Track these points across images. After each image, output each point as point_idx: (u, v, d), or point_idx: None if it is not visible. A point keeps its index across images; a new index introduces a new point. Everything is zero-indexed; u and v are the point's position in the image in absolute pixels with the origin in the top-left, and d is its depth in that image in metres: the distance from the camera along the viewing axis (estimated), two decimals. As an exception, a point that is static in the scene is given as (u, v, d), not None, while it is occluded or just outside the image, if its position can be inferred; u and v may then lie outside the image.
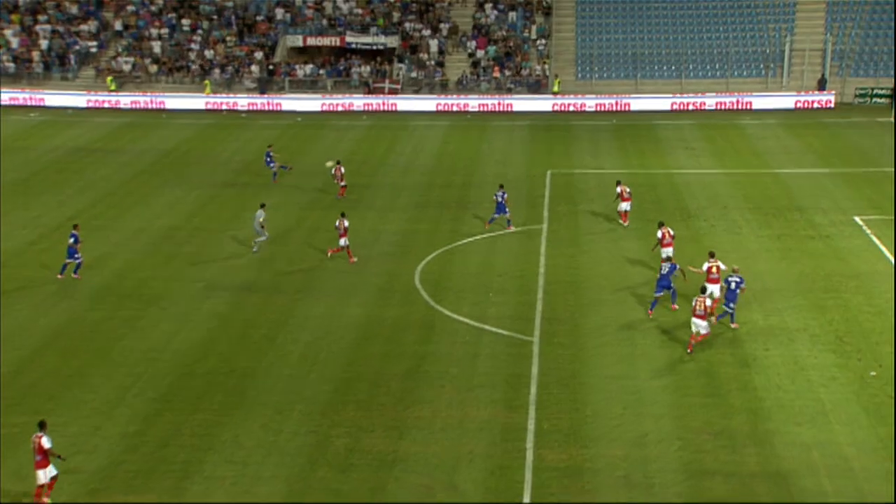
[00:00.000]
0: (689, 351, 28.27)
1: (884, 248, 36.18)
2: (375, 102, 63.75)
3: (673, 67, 66.10)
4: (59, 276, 33.98)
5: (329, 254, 35.94)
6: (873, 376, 26.75)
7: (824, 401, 25.60)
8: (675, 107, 62.34)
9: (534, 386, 26.64)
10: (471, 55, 68.09)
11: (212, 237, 38.52)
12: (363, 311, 31.39)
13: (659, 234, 34.00)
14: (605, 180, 46.02)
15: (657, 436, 24.20)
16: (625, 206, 39.35)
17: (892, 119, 57.53)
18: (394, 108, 63.72)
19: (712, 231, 38.84)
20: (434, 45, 68.48)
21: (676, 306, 31.14)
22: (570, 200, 43.29)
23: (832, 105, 61.63)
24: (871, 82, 63.03)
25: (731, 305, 29.71)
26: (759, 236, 38.28)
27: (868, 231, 38.05)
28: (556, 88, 64.71)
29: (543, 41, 68.00)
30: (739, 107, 61.98)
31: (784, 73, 64.67)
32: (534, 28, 68.78)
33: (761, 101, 62.21)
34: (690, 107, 62.24)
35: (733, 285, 30.00)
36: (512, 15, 69.80)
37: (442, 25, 69.52)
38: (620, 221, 39.32)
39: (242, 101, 64.59)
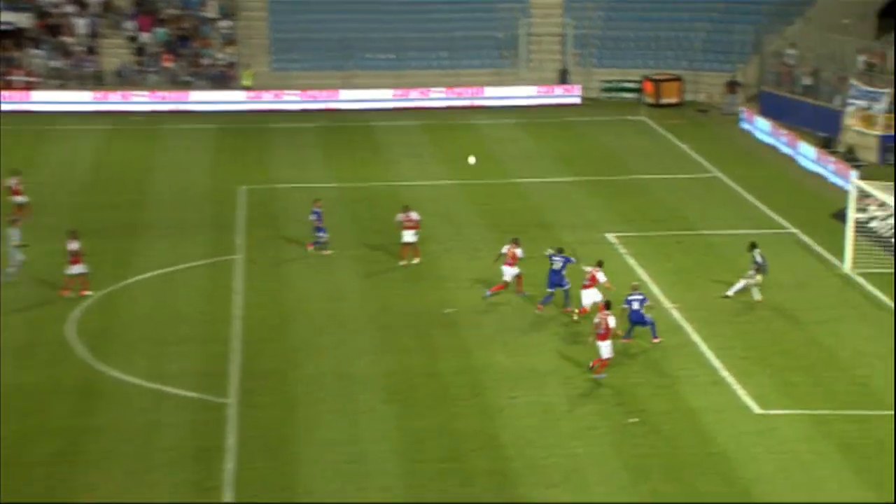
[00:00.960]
0: (594, 376, 29.84)
1: (641, 271, 37.61)
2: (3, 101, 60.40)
3: (392, 56, 66.78)
4: None
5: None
6: (634, 423, 27.58)
7: (580, 456, 26.23)
8: (395, 104, 63.00)
9: (231, 460, 25.87)
10: (132, 39, 65.81)
11: None
12: (-5, 376, 29.47)
13: (504, 249, 34.90)
14: (314, 196, 45.58)
15: (385, 515, 24.01)
16: (409, 236, 38.27)
17: (644, 116, 60.51)
18: (29, 109, 60.67)
19: (447, 255, 39.42)
20: (82, 25, 65.71)
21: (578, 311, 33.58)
22: (272, 222, 42.83)
23: (577, 101, 64.17)
24: (619, 74, 66.12)
25: (648, 321, 31.82)
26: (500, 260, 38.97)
27: (622, 250, 39.58)
28: (246, 82, 63.77)
29: (228, 22, 66.80)
30: (472, 103, 63.44)
31: (520, 63, 66.78)
32: (214, 5, 67.33)
33: (496, 97, 63.88)
34: (414, 104, 63.17)
35: (636, 304, 31.58)
36: (184, -13, 68.08)
37: (92, 0, 66.75)
38: (401, 261, 38.38)
39: None
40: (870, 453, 26.13)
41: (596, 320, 30.27)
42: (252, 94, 62.86)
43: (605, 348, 30.03)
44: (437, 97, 63.70)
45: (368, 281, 37.06)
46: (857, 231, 38.24)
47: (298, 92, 63.09)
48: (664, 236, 41.21)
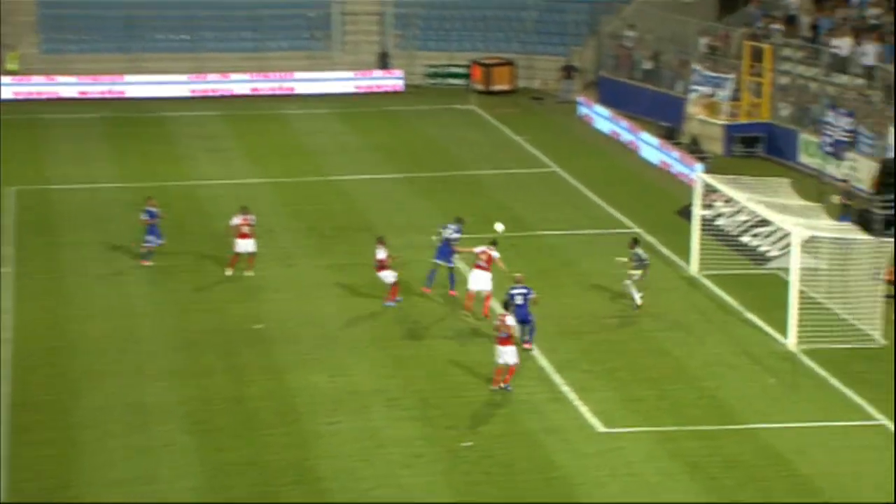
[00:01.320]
0: (494, 387, 30.14)
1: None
2: None
3: (185, 36, 65.54)
4: None
5: None
6: (467, 447, 27.56)
7: (408, 487, 26.15)
8: (192, 92, 62.03)
9: (1, 509, 24.98)
10: None
11: None
12: None
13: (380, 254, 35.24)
14: (100, 197, 44.62)
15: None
16: (246, 245, 37.38)
17: (474, 105, 60.83)
18: None
19: (258, 263, 38.76)
20: None
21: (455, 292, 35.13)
22: (48, 229, 41.75)
23: (400, 88, 64.15)
24: (445, 57, 66.33)
25: (529, 321, 31.97)
26: (318, 267, 38.88)
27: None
28: (11, 66, 61.87)
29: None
30: (280, 90, 62.86)
31: (334, 46, 66.39)
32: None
33: (308, 84, 63.44)
34: (213, 91, 62.30)
35: (520, 299, 31.78)
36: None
37: None
38: (228, 270, 37.71)
39: None
40: (717, 472, 26.64)
41: (496, 322, 30.53)
42: (18, 80, 60.96)
43: (509, 354, 30.08)
44: (239, 83, 62.94)
45: (164, 295, 36.39)
46: (702, 230, 39.02)
47: (75, 77, 61.48)
48: (499, 239, 41.43)
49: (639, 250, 35.84)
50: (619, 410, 29.53)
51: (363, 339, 33.47)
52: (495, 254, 34.48)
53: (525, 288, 32.46)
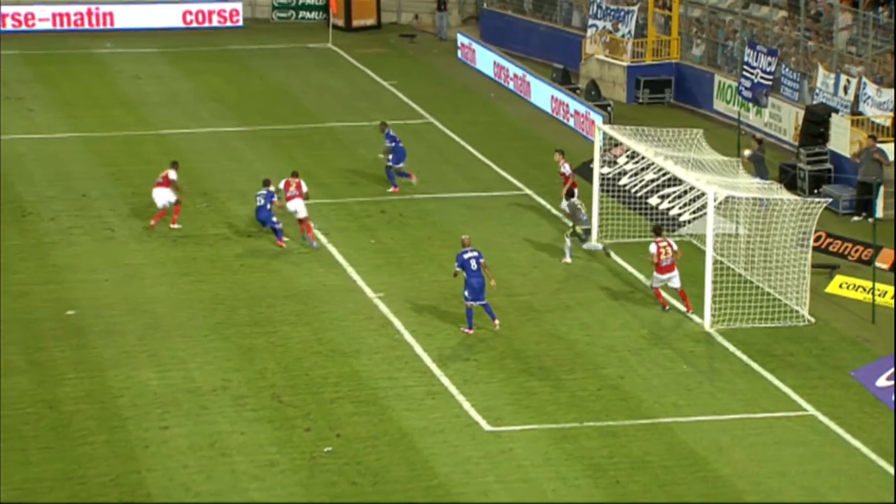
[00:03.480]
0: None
1: (334, 250, 37.89)
2: None
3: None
4: None
5: None
6: (328, 452, 27.78)
7: (258, 502, 26.11)
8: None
9: None
10: None
11: None
12: None
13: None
14: None
15: None
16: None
17: (331, 44, 60.79)
18: None
19: (69, 236, 38.82)
20: None
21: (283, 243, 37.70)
22: None
23: (239, 22, 63.90)
24: (296, -13, 66.36)
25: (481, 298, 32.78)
26: (144, 241, 38.62)
27: (312, 224, 39.55)
28: None
29: None
30: (92, 24, 62.23)
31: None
32: None
33: (132, 16, 62.92)
34: (12, 25, 61.57)
35: (474, 264, 32.60)
36: None
37: None
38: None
39: None
40: (623, 475, 27.13)
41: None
42: None
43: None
44: (41, 18, 62.26)
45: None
46: (603, 190, 39.55)
47: None
48: (364, 203, 41.62)
49: (568, 205, 37.64)
50: (507, 406, 29.87)
51: (201, 327, 33.41)
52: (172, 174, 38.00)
53: (475, 251, 32.96)
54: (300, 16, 65.61)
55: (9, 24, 61.95)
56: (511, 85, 54.77)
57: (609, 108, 49.38)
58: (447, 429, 28.88)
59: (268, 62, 58.76)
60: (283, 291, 35.48)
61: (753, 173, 40.77)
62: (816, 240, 35.87)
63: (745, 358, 32.22)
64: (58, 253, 37.43)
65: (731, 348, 32.72)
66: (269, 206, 37.81)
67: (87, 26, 62.60)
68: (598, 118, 46.13)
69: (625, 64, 53.38)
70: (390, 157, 42.44)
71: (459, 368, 31.49)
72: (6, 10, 62.08)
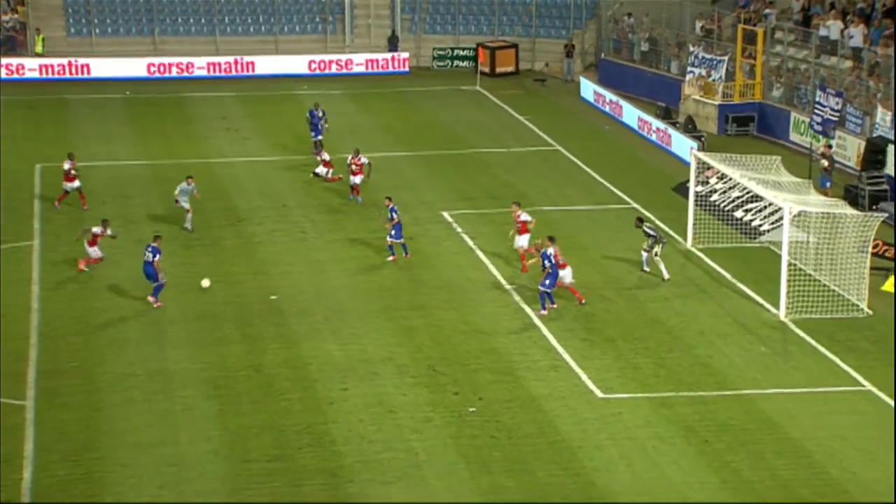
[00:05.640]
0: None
1: (478, 251, 37.83)
2: None
3: (203, 21, 65.62)
4: None
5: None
6: (473, 412, 27.71)
7: (417, 450, 26.30)
8: (211, 71, 62.09)
9: (29, 468, 25.22)
10: None
11: None
12: None
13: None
14: (123, 174, 44.74)
15: (209, 522, 23.68)
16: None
17: (479, 87, 60.79)
18: None
19: (271, 237, 39.16)
20: None
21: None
22: (72, 204, 41.62)
23: (407, 69, 64.14)
24: (451, 41, 66.33)
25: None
26: (330, 242, 38.95)
27: (459, 229, 39.73)
28: (39, 48, 62.00)
29: (14, -18, 64.76)
30: (294, 72, 62.82)
31: (347, 29, 66.40)
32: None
33: (321, 65, 63.40)
34: (231, 72, 62.44)
35: (554, 260, 32.83)
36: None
37: None
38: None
39: None
40: (710, 436, 26.83)
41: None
42: (46, 60, 61.07)
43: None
44: (256, 65, 62.97)
45: (182, 267, 36.33)
46: (697, 205, 39.10)
47: (100, 59, 61.54)
48: (502, 213, 41.49)
49: (646, 228, 36.01)
50: (617, 378, 29.70)
51: (373, 310, 33.55)
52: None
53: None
54: (455, 64, 65.59)
55: (216, 70, 62.97)
56: (622, 119, 54.34)
57: (703, 139, 48.75)
58: (567, 395, 28.78)
59: (429, 100, 58.87)
60: (437, 283, 35.52)
61: (818, 179, 40.49)
62: (874, 247, 35.13)
63: (813, 342, 31.68)
64: (263, 250, 37.85)
65: (802, 334, 32.18)
66: (153, 261, 33.01)
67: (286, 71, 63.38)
68: (693, 146, 45.57)
69: (716, 103, 52.62)
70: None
71: (578, 346, 31.35)
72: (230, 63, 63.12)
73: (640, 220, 36.78)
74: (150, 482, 24.83)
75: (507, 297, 34.41)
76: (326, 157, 44.72)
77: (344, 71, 63.59)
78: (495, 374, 29.84)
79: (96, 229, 35.36)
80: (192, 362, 30.21)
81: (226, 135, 51.59)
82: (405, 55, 64.80)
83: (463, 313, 33.39)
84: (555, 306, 32.95)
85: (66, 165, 40.93)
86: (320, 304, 33.88)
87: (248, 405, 28.10)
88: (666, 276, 35.44)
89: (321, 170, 44.34)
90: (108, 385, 28.87)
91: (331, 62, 63.89)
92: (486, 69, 63.58)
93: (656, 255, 35.57)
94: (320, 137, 47.24)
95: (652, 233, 35.83)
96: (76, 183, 40.97)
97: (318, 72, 63.22)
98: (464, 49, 65.51)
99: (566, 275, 33.79)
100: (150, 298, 33.23)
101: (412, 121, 55.18)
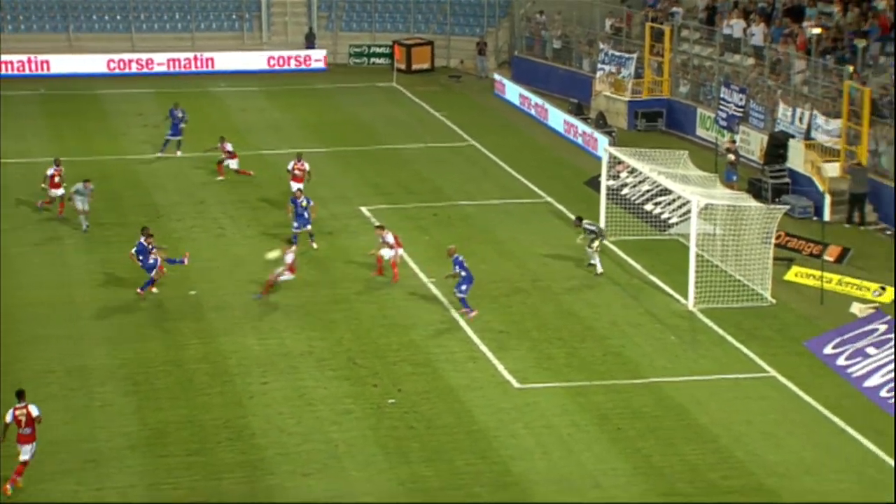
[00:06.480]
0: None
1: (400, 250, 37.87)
2: None
3: (119, 17, 64.83)
4: None
5: None
6: (392, 404, 27.73)
7: (337, 441, 26.28)
8: (121, 68, 61.44)
9: (-54, 469, 24.65)
10: None
11: None
12: None
13: None
14: (36, 171, 44.07)
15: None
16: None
17: (395, 83, 60.74)
18: None
19: (190, 233, 38.88)
20: None
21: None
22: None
23: (324, 66, 63.89)
24: (367, 38, 66.18)
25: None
26: (248, 237, 38.75)
27: (377, 224, 39.55)
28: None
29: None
30: (209, 68, 62.33)
31: (264, 27, 65.96)
32: None
33: (236, 62, 62.99)
34: (144, 69, 61.85)
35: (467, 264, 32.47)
36: None
37: None
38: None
39: None
40: (623, 423, 27.11)
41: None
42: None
43: None
44: (171, 63, 62.35)
45: (100, 264, 36.03)
46: (609, 199, 39.41)
47: (13, 56, 60.57)
48: (420, 208, 41.58)
49: (586, 224, 36.21)
50: (532, 368, 29.87)
51: (293, 304, 33.41)
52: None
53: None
54: (371, 61, 65.44)
55: (133, 67, 62.23)
56: (535, 115, 54.59)
57: (613, 134, 49.16)
58: (485, 386, 28.89)
59: (346, 97, 58.70)
60: (356, 277, 35.48)
61: (733, 162, 41.07)
62: (777, 238, 35.67)
63: (720, 331, 32.09)
64: (182, 246, 37.30)
65: (710, 323, 32.58)
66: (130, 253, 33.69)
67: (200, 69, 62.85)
68: (604, 141, 45.92)
69: (626, 99, 53.09)
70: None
71: (494, 338, 31.47)
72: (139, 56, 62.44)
73: (580, 218, 36.83)
74: (67, 479, 24.51)
75: (425, 291, 34.45)
76: (229, 147, 44.17)
77: (262, 68, 63.21)
78: (414, 365, 29.89)
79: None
80: (111, 358, 29.89)
81: (143, 131, 51.03)
82: (323, 52, 64.56)
83: (382, 307, 33.38)
84: (475, 312, 32.80)
85: (50, 171, 39.49)
86: (239, 298, 33.68)
87: (168, 401, 27.87)
88: (600, 270, 35.64)
89: (232, 163, 43.90)
90: (26, 383, 28.28)
91: (248, 59, 63.43)
92: (403, 66, 63.53)
93: (597, 249, 35.78)
94: (179, 138, 46.45)
95: (593, 228, 36.10)
96: (61, 191, 39.49)
97: (233, 68, 62.78)
98: (380, 46, 65.39)
99: (388, 253, 34.37)
100: (140, 291, 33.41)
101: (330, 117, 54.98)
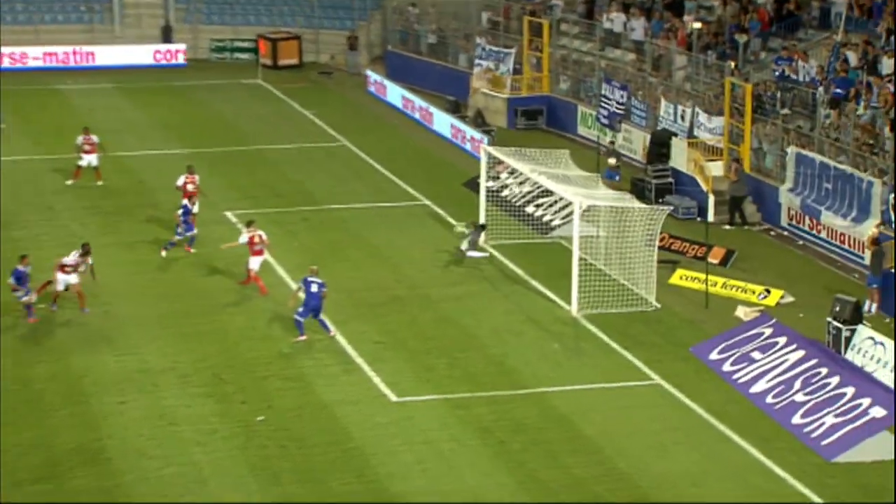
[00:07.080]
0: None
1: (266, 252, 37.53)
2: None
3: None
4: None
5: None
6: (261, 421, 27.45)
7: (202, 464, 25.88)
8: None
9: None
10: None
11: None
12: None
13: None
14: None
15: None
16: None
17: (260, 80, 60.26)
18: None
19: (38, 242, 38.01)
20: None
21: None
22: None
23: (184, 62, 63.14)
24: (230, 32, 65.58)
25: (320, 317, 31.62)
26: (104, 245, 37.92)
27: (244, 230, 39.08)
28: None
29: None
30: (60, 63, 61.23)
31: (116, 19, 64.90)
32: None
33: (88, 57, 61.95)
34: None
35: (314, 287, 31.37)
36: None
37: None
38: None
39: None
40: (506, 436, 27.16)
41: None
42: None
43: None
44: (18, 57, 61.22)
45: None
46: (489, 201, 39.54)
47: None
48: (289, 213, 41.28)
49: (468, 224, 37.51)
50: (410, 380, 29.78)
51: (152, 317, 32.94)
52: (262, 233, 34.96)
53: (319, 280, 31.91)
54: (234, 57, 64.86)
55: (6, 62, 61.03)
56: (411, 113, 54.58)
57: (492, 133, 49.36)
58: (360, 400, 28.73)
59: (207, 94, 58.09)
60: (222, 286, 35.08)
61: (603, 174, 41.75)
62: (661, 240, 36.11)
63: (604, 337, 32.37)
64: (30, 256, 36.29)
65: (594, 330, 32.85)
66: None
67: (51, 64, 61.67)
68: (483, 141, 46.09)
69: (505, 96, 53.39)
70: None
71: (370, 349, 31.32)
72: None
73: (475, 223, 37.72)
74: None
75: (295, 300, 34.08)
76: (95, 138, 43.36)
77: (113, 63, 62.22)
78: (285, 380, 29.59)
79: None
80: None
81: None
82: (181, 47, 63.76)
83: (250, 318, 33.03)
84: (304, 338, 31.73)
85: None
86: (94, 311, 33.06)
87: (14, 423, 27.11)
88: (469, 255, 36.65)
89: (93, 159, 43.05)
90: None
91: (96, 54, 62.35)
92: (268, 61, 63.04)
93: (483, 242, 36.61)
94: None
95: (477, 225, 37.18)
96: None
97: (83, 64, 61.68)
98: (243, 40, 64.83)
99: (254, 262, 34.37)
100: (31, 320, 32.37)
101: (191, 116, 54.37)
